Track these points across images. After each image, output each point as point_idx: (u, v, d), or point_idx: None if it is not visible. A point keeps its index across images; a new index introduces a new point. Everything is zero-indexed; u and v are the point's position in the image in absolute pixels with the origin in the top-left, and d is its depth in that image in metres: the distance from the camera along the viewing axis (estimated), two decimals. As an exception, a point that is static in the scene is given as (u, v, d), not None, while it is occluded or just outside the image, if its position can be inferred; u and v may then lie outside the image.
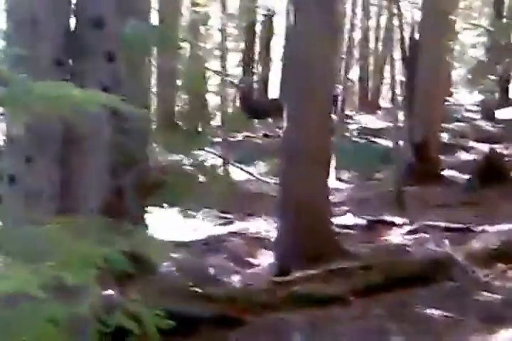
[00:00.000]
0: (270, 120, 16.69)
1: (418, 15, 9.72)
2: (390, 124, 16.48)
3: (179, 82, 14.83)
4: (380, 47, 21.73)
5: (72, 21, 3.32)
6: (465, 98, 18.09)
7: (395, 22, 8.92)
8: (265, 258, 6.35)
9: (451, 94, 18.32)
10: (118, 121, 3.44)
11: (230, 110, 17.17)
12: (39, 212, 3.01)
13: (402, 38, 9.31)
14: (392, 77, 8.65)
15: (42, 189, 3.08)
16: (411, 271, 5.33)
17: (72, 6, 3.31)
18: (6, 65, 2.90)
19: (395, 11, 8.84)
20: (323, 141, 5.89)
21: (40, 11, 3.07)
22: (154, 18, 14.18)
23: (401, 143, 9.24)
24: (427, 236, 6.72)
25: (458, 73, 20.02)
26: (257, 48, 18.80)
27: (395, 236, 6.97)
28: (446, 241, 6.19)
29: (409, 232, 6.97)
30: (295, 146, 5.71)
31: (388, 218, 7.53)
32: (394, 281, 5.18)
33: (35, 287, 1.50)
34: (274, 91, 19.02)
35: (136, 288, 4.51)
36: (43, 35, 3.07)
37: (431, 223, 7.09)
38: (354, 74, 18.84)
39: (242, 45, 19.13)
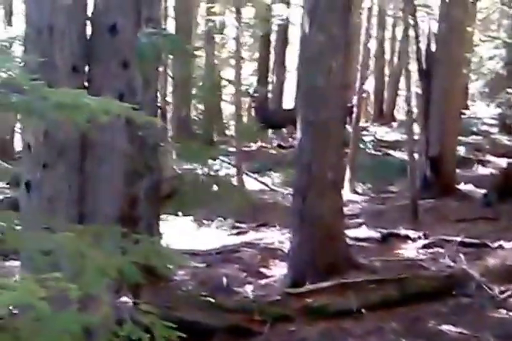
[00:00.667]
0: (285, 130, 16.63)
1: (435, 27, 9.64)
2: (405, 136, 16.50)
3: (194, 91, 14.83)
4: (396, 59, 21.69)
5: (89, 28, 3.33)
6: (482, 111, 17.95)
7: (411, 33, 8.85)
8: (278, 270, 6.30)
9: (467, 107, 18.19)
10: (132, 128, 3.42)
11: (244, 120, 17.17)
12: (56, 218, 2.99)
13: (418, 50, 9.25)
14: (408, 89, 8.58)
15: (59, 195, 3.07)
16: (426, 285, 5.27)
17: (89, 14, 3.32)
18: (24, 71, 2.90)
19: (411, 22, 8.78)
20: (337, 152, 5.85)
21: (57, 18, 3.09)
22: (171, 27, 14.27)
23: (416, 156, 9.14)
24: (442, 250, 6.62)
25: (475, 86, 19.89)
26: (272, 58, 18.79)
27: (410, 250, 6.87)
28: (462, 257, 6.10)
29: (424, 246, 6.87)
30: (309, 157, 5.67)
31: (403, 231, 7.43)
32: (408, 296, 5.13)
33: (39, 299, 1.47)
34: (288, 102, 18.97)
35: (149, 297, 4.47)
36: (60, 42, 3.07)
37: (446, 237, 6.99)
38: (369, 85, 18.78)
39: (257, 55, 19.13)
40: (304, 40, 5.90)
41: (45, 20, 3.08)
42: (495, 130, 15.32)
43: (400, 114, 22.06)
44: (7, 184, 10.71)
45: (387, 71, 21.33)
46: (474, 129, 15.28)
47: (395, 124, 18.84)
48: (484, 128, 15.78)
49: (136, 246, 2.10)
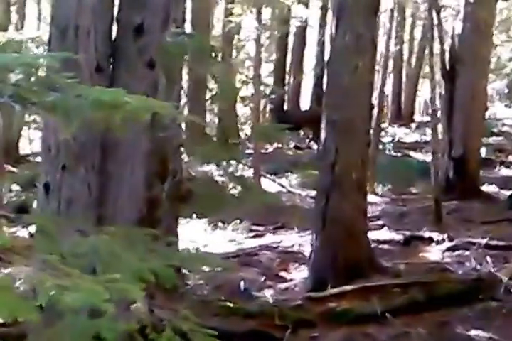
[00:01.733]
0: (301, 131, 16.55)
1: (459, 27, 9.50)
2: (424, 137, 16.46)
3: (210, 92, 14.73)
4: (414, 60, 21.57)
5: (114, 28, 3.26)
6: (501, 112, 17.75)
7: (435, 33, 8.72)
8: (298, 273, 6.19)
9: (486, 108, 17.99)
10: (155, 129, 3.34)
11: (260, 121, 17.06)
12: (76, 221, 2.91)
13: (442, 50, 9.12)
14: (432, 90, 8.45)
15: (78, 197, 2.99)
16: (453, 289, 5.14)
17: (115, 13, 3.25)
18: (50, 69, 2.83)
19: (435, 21, 8.65)
20: (362, 151, 5.74)
21: (83, 17, 3.02)
22: (187, 29, 14.19)
23: (439, 157, 8.99)
24: (467, 253, 6.49)
25: (493, 86, 19.68)
26: (289, 59, 18.72)
27: (434, 253, 6.74)
28: (489, 259, 5.96)
29: (449, 249, 6.74)
30: (333, 157, 5.57)
31: (426, 234, 7.30)
32: (434, 300, 5.01)
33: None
34: (305, 103, 18.88)
35: (164, 301, 4.39)
36: (85, 42, 3.01)
37: (471, 240, 6.85)
38: (387, 86, 18.63)
39: (274, 56, 19.07)
40: (330, 40, 5.81)
41: (70, 19, 3.01)
42: (515, 131, 15.13)
43: (418, 115, 21.96)
44: (21, 187, 10.64)
45: (404, 72, 21.19)
46: (495, 130, 15.10)
47: (413, 125, 18.74)
48: (505, 129, 15.59)
49: (170, 248, 2.01)
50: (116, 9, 3.20)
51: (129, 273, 1.63)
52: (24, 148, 16.37)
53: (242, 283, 5.71)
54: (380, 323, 4.78)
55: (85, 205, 2.99)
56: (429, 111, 22.83)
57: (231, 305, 4.89)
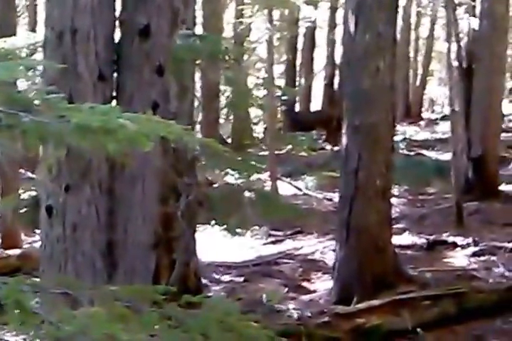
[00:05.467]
0: (314, 132, 16.32)
1: (475, 24, 9.25)
2: (434, 135, 16.14)
3: (223, 96, 14.49)
4: (420, 58, 21.46)
5: (117, 32, 2.99)
6: (506, 108, 17.46)
7: (452, 31, 8.48)
8: (322, 284, 5.92)
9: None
10: (167, 141, 3.08)
11: (273, 123, 16.84)
12: (82, 247, 2.65)
13: (459, 48, 8.87)
14: (451, 89, 8.22)
15: (85, 221, 2.72)
16: (484, 300, 4.88)
17: (117, 15, 2.97)
18: (43, 80, 2.56)
19: (451, 19, 8.41)
20: (386, 157, 5.47)
21: (81, 19, 2.73)
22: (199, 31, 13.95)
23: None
24: (494, 258, 6.22)
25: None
26: (299, 60, 18.55)
27: (459, 259, 6.46)
28: (519, 265, 5.69)
29: (475, 254, 6.46)
30: (356, 164, 5.30)
31: (450, 238, 7.00)
32: (468, 312, 4.74)
33: None
34: (316, 103, 18.69)
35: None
36: (85, 47, 2.72)
37: (497, 244, 6.58)
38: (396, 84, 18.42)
39: (284, 57, 18.89)
40: (348, 40, 5.55)
41: (66, 21, 2.71)
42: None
43: (425, 113, 21.76)
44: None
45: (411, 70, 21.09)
46: (503, 126, 14.73)
47: (422, 123, 18.54)
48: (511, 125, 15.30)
49: (190, 313, 1.68)
50: (118, 9, 2.91)
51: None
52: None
53: (264, 295, 5.45)
54: (412, 339, 4.54)
55: (93, 230, 2.72)
56: (435, 108, 22.71)
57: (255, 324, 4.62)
